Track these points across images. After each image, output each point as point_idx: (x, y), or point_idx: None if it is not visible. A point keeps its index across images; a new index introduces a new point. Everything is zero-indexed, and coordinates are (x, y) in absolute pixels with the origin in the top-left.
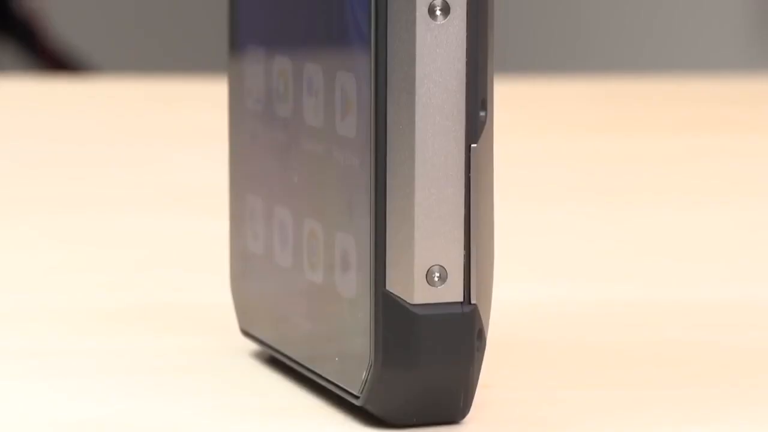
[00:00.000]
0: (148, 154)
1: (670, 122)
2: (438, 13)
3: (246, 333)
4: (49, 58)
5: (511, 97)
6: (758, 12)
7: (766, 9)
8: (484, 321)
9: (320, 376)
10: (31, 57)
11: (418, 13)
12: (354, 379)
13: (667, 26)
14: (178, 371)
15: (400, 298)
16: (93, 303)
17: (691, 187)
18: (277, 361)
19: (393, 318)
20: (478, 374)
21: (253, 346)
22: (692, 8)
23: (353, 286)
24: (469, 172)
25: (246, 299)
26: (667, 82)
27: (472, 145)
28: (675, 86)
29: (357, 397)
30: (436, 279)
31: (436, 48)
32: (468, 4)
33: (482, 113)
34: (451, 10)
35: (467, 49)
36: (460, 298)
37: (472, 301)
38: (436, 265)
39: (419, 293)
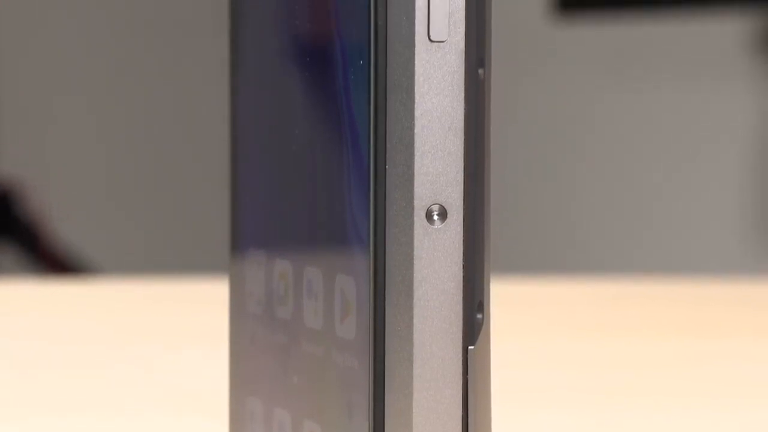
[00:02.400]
0: (148, 355)
1: (667, 325)
2: (435, 218)
3: None
4: (50, 260)
5: (508, 298)
6: (754, 216)
7: (763, 212)
8: None
9: None
10: (33, 259)
11: (416, 218)
12: None
13: (664, 229)
14: None
15: None
16: None
17: (689, 390)
18: None
19: None
20: None
21: None
22: (689, 212)
23: None
24: (467, 374)
25: None
26: (665, 284)
27: (469, 347)
28: (672, 288)
29: None
30: None
31: (434, 252)
32: (465, 209)
33: (479, 315)
34: (448, 215)
35: (464, 253)
36: None
37: None
38: None
39: None
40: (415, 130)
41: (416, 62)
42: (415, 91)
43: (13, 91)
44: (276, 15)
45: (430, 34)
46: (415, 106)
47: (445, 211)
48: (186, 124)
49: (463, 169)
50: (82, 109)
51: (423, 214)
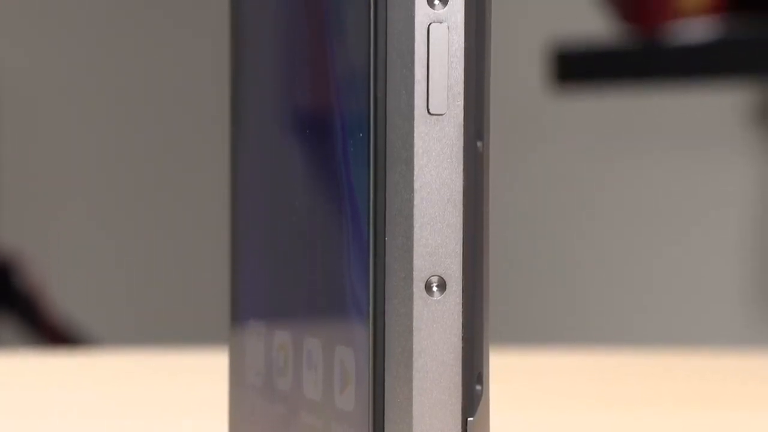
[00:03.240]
0: (148, 427)
1: (669, 397)
2: (435, 289)
3: None
4: (49, 331)
5: (507, 369)
6: (754, 287)
7: (763, 284)
8: None
9: None
10: (32, 331)
11: (415, 289)
12: None
13: (664, 299)
14: None
15: None
16: None
17: None
18: None
19: None
20: None
21: None
22: (689, 283)
23: None
24: None
25: None
26: (665, 356)
27: (469, 419)
28: (673, 360)
29: None
30: None
31: (433, 323)
32: (464, 281)
33: (478, 387)
34: (447, 287)
35: (463, 324)
36: None
37: None
38: None
39: None
40: (415, 202)
41: (415, 135)
42: (415, 163)
43: (12, 164)
44: (276, 86)
45: (429, 107)
46: (415, 178)
47: (445, 282)
48: (186, 196)
49: (462, 240)
50: (81, 182)
51: (422, 285)
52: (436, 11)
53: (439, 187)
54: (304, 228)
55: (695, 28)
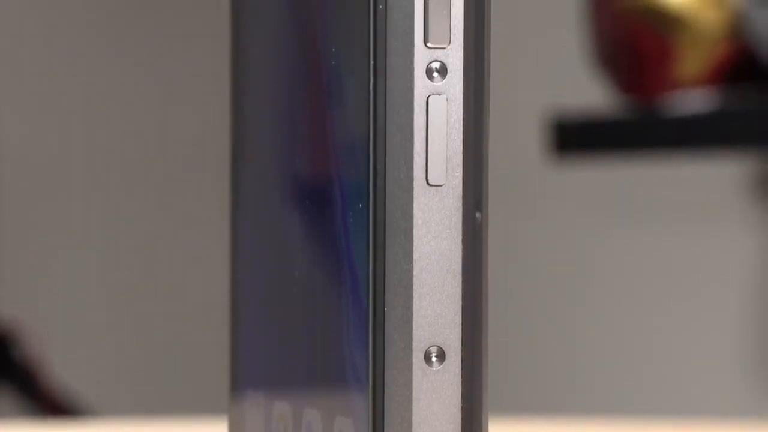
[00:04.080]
0: None
1: None
2: (434, 359)
3: None
4: (48, 403)
5: None
6: (754, 359)
7: (763, 356)
8: None
9: None
10: (31, 402)
11: (414, 360)
12: None
13: (663, 370)
14: None
15: None
16: None
17: None
18: None
19: None
20: None
21: None
22: (689, 354)
23: None
24: None
25: None
26: (665, 427)
27: None
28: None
29: None
30: None
31: (433, 393)
32: (463, 351)
33: None
34: (446, 357)
35: (463, 395)
36: None
37: None
38: None
39: None
40: (414, 273)
41: (414, 206)
42: (414, 234)
43: (10, 236)
44: (276, 155)
45: (428, 178)
46: (414, 248)
47: (444, 353)
48: (185, 265)
49: (461, 311)
50: (80, 254)
51: (421, 356)
52: (434, 83)
53: (438, 257)
54: (304, 297)
55: (693, 99)
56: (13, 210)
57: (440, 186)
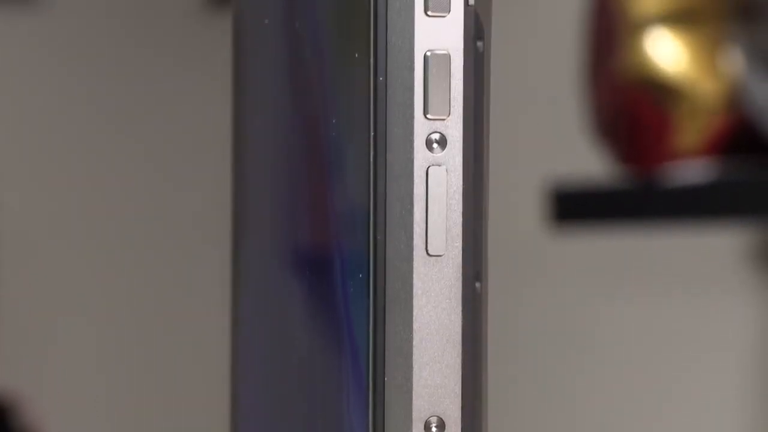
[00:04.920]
0: None
1: None
2: (434, 429)
3: None
4: None
5: None
6: (755, 428)
7: (764, 425)
8: None
9: None
10: None
11: (414, 430)
12: None
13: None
14: None
15: None
16: None
17: None
18: None
19: None
20: None
21: None
22: (688, 427)
23: None
24: None
25: None
26: None
27: None
28: None
29: None
30: None
31: None
32: (463, 421)
33: None
34: (446, 427)
35: None
36: None
37: None
38: None
39: None
40: (414, 343)
41: (414, 276)
42: (414, 303)
43: (8, 309)
44: (277, 226)
45: (428, 248)
46: (414, 318)
47: (444, 423)
48: (185, 338)
49: (461, 381)
50: (79, 326)
51: (421, 426)
52: (434, 154)
53: (438, 327)
54: (304, 365)
55: (692, 170)
56: (11, 283)
57: (440, 256)
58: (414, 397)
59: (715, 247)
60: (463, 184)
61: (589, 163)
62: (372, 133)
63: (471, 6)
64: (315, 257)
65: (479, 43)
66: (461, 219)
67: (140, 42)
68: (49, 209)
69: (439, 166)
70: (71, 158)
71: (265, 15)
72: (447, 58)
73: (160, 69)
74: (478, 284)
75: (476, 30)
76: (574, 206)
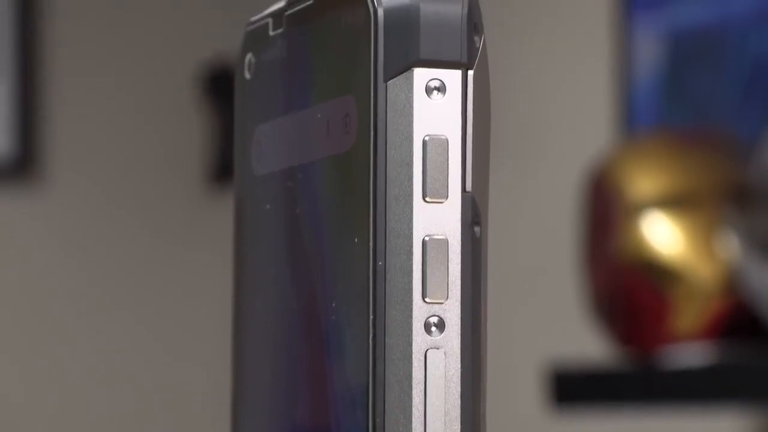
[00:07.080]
0: None
1: None
2: None
3: None
4: None
5: None
6: None
7: None
8: None
9: None
10: None
11: None
12: None
13: None
14: None
15: None
16: None
17: None
18: None
19: None
20: None
21: None
22: None
23: None
24: None
25: None
26: None
27: None
28: None
29: None
30: None
31: None
32: None
33: None
34: None
35: None
36: None
37: None
38: None
39: None
40: None
41: None
42: None
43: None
44: (276, 408)
45: (427, 431)
46: None
47: None
48: None
49: None
50: None
51: None
52: (433, 338)
53: None
54: None
55: (691, 353)
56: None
57: None
58: None
59: (713, 430)
60: (461, 367)
61: (588, 344)
62: (371, 317)
63: (468, 192)
64: None
65: (476, 228)
66: (459, 402)
67: (141, 222)
68: (51, 405)
69: (438, 349)
70: (72, 341)
71: (267, 201)
72: (445, 243)
73: (160, 248)
74: None
75: (473, 215)
76: (573, 388)
